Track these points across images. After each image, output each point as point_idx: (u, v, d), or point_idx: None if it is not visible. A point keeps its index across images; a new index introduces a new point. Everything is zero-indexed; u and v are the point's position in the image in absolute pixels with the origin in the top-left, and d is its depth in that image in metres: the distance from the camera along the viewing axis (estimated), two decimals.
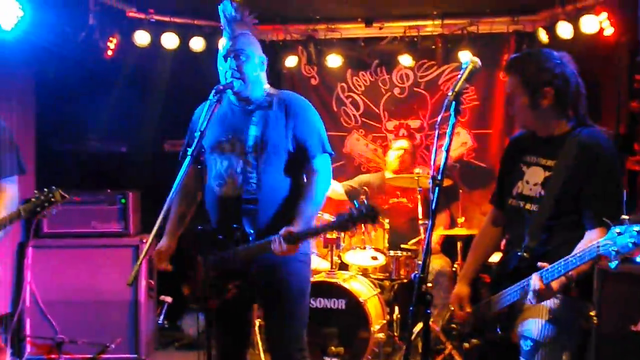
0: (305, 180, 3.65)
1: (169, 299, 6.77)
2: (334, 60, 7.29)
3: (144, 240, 6.07)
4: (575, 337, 3.05)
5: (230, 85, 3.53)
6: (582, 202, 2.97)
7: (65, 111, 6.68)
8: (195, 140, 3.35)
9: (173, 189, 3.25)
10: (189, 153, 3.34)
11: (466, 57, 6.59)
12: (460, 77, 2.83)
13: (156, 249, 3.71)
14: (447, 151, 2.77)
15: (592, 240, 2.68)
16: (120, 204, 6.18)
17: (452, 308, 3.40)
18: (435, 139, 2.84)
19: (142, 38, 6.72)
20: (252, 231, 3.49)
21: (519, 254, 3.08)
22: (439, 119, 2.76)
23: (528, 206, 3.14)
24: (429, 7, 6.94)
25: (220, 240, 3.52)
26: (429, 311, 2.75)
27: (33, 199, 3.62)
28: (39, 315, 5.97)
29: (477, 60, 2.88)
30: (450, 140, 2.77)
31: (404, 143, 6.87)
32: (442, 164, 2.75)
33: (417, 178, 5.97)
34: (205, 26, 7.04)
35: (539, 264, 2.83)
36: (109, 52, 6.44)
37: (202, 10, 6.90)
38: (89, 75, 6.49)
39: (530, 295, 2.85)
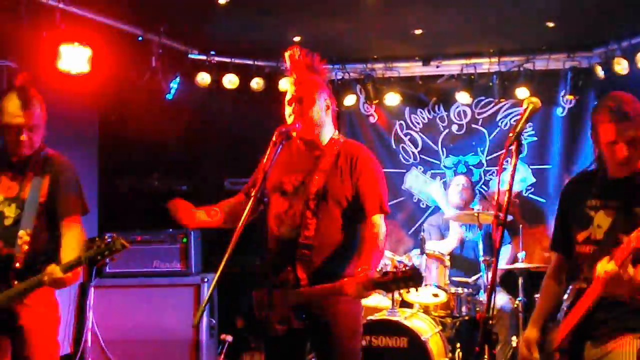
0: (360, 233, 3.60)
1: (229, 338, 6.78)
2: (391, 99, 7.33)
3: (206, 280, 6.13)
4: None
5: (293, 127, 3.54)
6: None
7: (129, 150, 6.82)
8: (259, 183, 3.37)
9: (237, 230, 3.28)
10: (252, 194, 3.37)
11: (523, 94, 6.71)
12: (521, 118, 2.82)
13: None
14: (510, 190, 2.74)
15: None
16: (182, 243, 6.25)
17: (521, 351, 3.35)
18: (498, 177, 2.81)
19: (203, 79, 6.87)
20: (303, 276, 3.49)
21: None
22: (501, 158, 2.77)
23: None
24: (486, 44, 6.96)
25: (271, 280, 3.55)
26: (494, 351, 2.69)
27: (95, 247, 3.64)
28: (100, 355, 6.05)
29: (537, 100, 2.86)
30: (512, 179, 2.75)
31: (461, 179, 6.83)
32: (505, 202, 2.73)
33: (476, 214, 5.90)
34: (265, 66, 7.18)
35: None
36: (172, 93, 6.57)
37: (262, 50, 7.03)
38: (152, 115, 6.63)
39: None
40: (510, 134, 2.79)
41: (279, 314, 3.48)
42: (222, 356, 6.77)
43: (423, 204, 7.56)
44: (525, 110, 2.83)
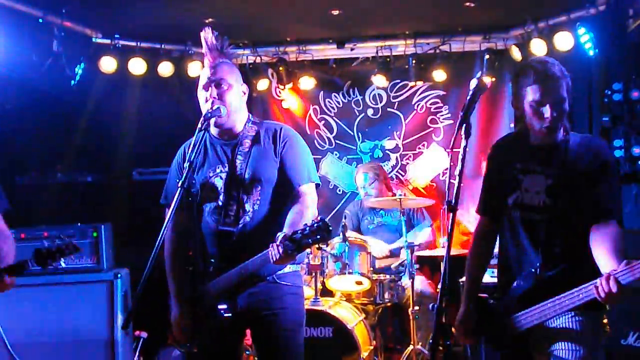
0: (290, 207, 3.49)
1: (144, 334, 6.48)
2: (306, 82, 7.17)
3: (119, 275, 5.81)
4: (602, 352, 3.05)
5: (218, 112, 3.39)
6: (593, 201, 2.97)
7: (29, 142, 6.41)
8: (185, 172, 3.18)
9: (165, 224, 3.08)
10: (179, 185, 3.16)
11: (440, 76, 6.66)
12: (470, 98, 2.73)
13: (174, 323, 3.50)
14: (460, 175, 2.64)
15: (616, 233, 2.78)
16: (92, 238, 5.88)
17: (456, 332, 3.29)
18: (449, 165, 2.70)
19: (108, 64, 6.50)
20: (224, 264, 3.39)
21: (533, 271, 3.04)
22: (452, 142, 2.72)
23: (531, 216, 3.10)
24: (402, 26, 6.88)
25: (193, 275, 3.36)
26: (449, 342, 2.60)
27: (43, 251, 3.40)
28: (7, 359, 5.62)
29: (484, 80, 2.78)
30: (463, 164, 2.65)
31: (361, 178, 6.57)
32: (455, 188, 2.63)
33: (398, 200, 5.81)
34: (174, 50, 6.88)
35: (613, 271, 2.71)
36: (76, 79, 6.18)
37: (170, 34, 6.73)
38: (54, 103, 6.24)
39: (600, 297, 2.73)
40: (461, 115, 2.69)
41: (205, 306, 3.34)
42: (138, 353, 6.47)
43: (339, 191, 7.47)
44: (472, 90, 2.73)
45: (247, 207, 3.41)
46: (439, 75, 6.89)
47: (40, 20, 5.55)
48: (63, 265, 3.51)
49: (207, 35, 3.50)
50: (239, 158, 3.47)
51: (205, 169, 3.51)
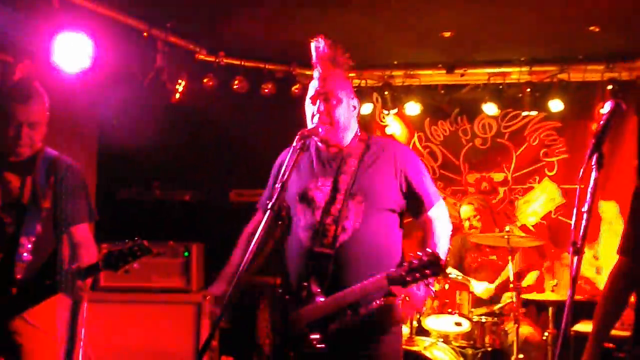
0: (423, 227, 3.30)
1: None
2: (412, 108, 6.85)
3: (208, 297, 5.62)
4: None
5: (316, 131, 3.17)
6: None
7: (131, 157, 6.36)
8: (277, 193, 2.91)
9: (253, 244, 2.81)
10: (269, 207, 2.90)
11: (556, 106, 6.18)
12: (604, 123, 2.34)
13: (211, 292, 3.38)
14: (589, 213, 2.26)
15: None
16: (183, 257, 5.73)
17: None
18: (576, 200, 2.31)
19: (211, 82, 6.40)
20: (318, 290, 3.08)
21: None
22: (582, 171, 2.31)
23: None
24: (516, 52, 6.45)
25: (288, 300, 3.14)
26: None
27: (114, 251, 3.23)
28: None
29: (619, 101, 2.38)
30: (593, 199, 2.26)
31: (467, 210, 6.25)
32: (582, 228, 2.24)
33: (506, 237, 5.39)
34: (277, 70, 6.71)
35: None
36: (177, 96, 6.09)
37: (274, 54, 6.58)
38: (155, 119, 6.17)
39: None
40: (594, 142, 2.30)
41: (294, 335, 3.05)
42: None
43: None
44: (608, 112, 2.33)
45: (348, 226, 3.12)
46: (556, 105, 6.42)
47: (145, 34, 5.46)
48: (135, 266, 3.30)
49: (318, 44, 3.26)
50: (345, 173, 3.19)
51: (306, 180, 3.25)
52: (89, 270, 3.33)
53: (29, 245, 3.32)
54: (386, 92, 6.84)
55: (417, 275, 2.85)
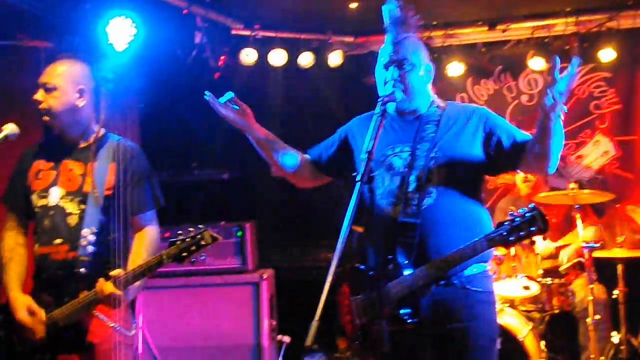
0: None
1: (287, 339, 6.15)
2: (454, 69, 6.65)
3: (264, 276, 5.50)
4: None
5: (392, 97, 3.01)
6: None
7: (167, 139, 6.22)
8: (364, 164, 2.74)
9: (346, 221, 2.63)
10: (357, 179, 2.73)
11: (607, 56, 5.95)
12: None
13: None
14: None
15: None
16: (237, 237, 5.60)
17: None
18: None
19: (248, 56, 6.22)
20: (406, 262, 2.92)
21: None
22: None
23: None
24: (561, 3, 6.21)
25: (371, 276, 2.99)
26: None
27: (178, 242, 3.07)
28: None
29: None
30: None
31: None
32: None
33: (572, 194, 5.21)
34: (312, 40, 6.52)
35: None
36: (218, 72, 5.93)
37: (309, 23, 6.39)
38: (196, 98, 6.00)
39: None
40: None
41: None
42: (281, 359, 6.17)
43: (491, 185, 6.90)
44: None
45: (431, 190, 2.97)
46: (606, 55, 6.20)
47: (185, 11, 5.27)
48: (203, 258, 3.16)
49: (391, 7, 3.09)
50: (424, 139, 3.05)
51: (383, 146, 3.08)
52: (151, 267, 3.16)
53: (93, 237, 3.20)
54: None
55: (522, 233, 2.69)
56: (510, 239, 2.72)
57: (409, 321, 2.90)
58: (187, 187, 6.75)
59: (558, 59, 2.65)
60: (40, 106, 3.28)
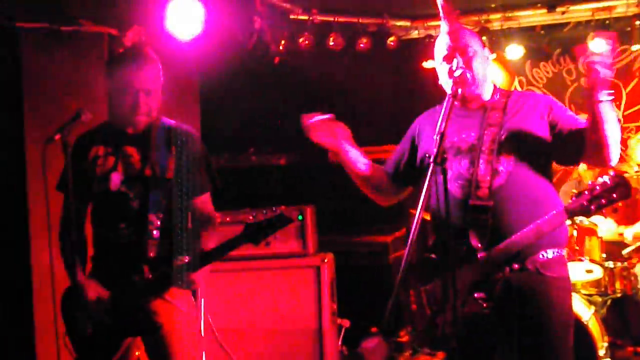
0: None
1: (346, 323, 6.18)
2: (513, 52, 6.59)
3: (326, 260, 5.54)
4: None
5: (464, 77, 3.01)
6: None
7: (231, 123, 6.28)
8: (437, 145, 2.74)
9: (421, 202, 2.66)
10: (431, 160, 2.73)
11: None
12: None
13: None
14: None
15: None
16: (298, 221, 5.62)
17: None
18: None
19: (306, 41, 6.24)
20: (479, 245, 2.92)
21: None
22: None
23: None
24: None
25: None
26: None
27: (255, 225, 3.12)
28: (215, 346, 5.48)
29: None
30: None
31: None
32: None
33: (635, 177, 5.16)
34: (370, 24, 6.52)
35: None
36: (278, 57, 5.96)
37: (367, 7, 6.38)
38: (255, 84, 6.06)
39: None
40: None
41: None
42: (340, 342, 6.20)
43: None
44: None
45: (501, 170, 2.97)
46: None
47: None
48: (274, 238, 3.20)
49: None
50: (491, 125, 3.06)
51: (450, 134, 3.05)
52: (232, 246, 3.21)
53: (158, 222, 3.25)
54: (484, 37, 6.57)
55: (603, 201, 2.67)
56: (591, 208, 2.71)
57: (484, 305, 2.91)
58: (245, 172, 6.82)
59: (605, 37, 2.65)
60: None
